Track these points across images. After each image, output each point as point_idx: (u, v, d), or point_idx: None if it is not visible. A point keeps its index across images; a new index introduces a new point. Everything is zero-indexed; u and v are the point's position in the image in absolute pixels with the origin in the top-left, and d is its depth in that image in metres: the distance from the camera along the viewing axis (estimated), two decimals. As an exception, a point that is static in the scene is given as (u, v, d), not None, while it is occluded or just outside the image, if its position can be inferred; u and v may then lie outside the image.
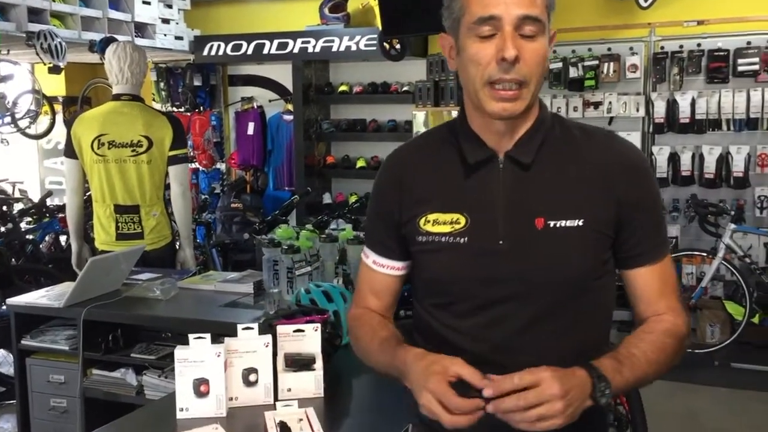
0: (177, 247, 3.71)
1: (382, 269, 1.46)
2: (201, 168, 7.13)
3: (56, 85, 7.01)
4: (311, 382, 1.76)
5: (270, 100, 6.86)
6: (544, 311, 1.32)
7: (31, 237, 5.32)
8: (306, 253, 2.76)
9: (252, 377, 1.71)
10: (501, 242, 1.32)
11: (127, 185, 3.46)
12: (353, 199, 6.12)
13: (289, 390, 1.76)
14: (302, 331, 1.78)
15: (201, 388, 1.64)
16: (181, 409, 1.65)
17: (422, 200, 1.38)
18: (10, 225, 5.10)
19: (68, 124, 3.58)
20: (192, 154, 7.00)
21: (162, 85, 7.11)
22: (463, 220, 1.34)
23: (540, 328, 1.33)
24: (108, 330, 2.75)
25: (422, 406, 1.19)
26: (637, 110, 5.42)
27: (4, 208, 5.20)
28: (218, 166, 7.15)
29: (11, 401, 3.54)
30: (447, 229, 1.34)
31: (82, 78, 7.12)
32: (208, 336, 1.66)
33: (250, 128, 6.85)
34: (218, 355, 1.65)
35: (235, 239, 4.72)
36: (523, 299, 1.32)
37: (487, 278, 1.32)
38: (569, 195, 1.33)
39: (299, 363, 1.76)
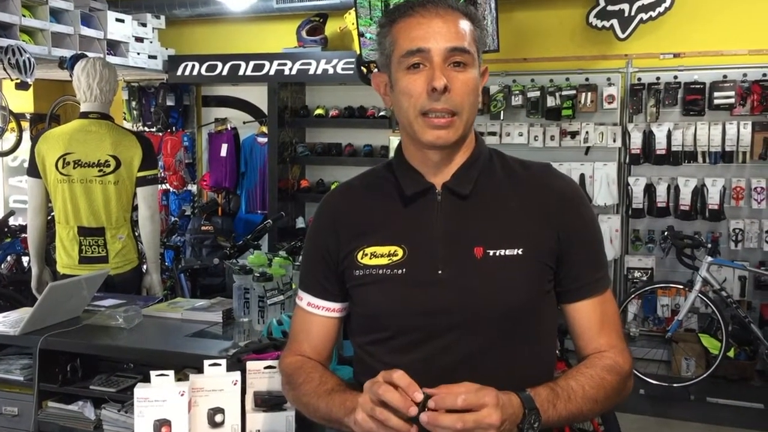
0: (143, 271, 3.57)
1: (318, 311, 1.44)
2: (172, 189, 6.98)
3: (24, 102, 6.84)
4: (282, 424, 1.65)
5: (244, 122, 6.76)
6: (486, 342, 1.30)
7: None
8: (279, 281, 2.65)
9: (218, 418, 1.60)
10: (440, 272, 1.30)
11: (93, 206, 3.32)
12: (327, 224, 6.03)
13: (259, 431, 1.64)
14: (273, 367, 1.66)
15: (162, 430, 1.52)
16: (140, 453, 1.53)
17: (359, 235, 1.37)
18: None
19: (33, 141, 3.44)
20: (163, 174, 6.86)
21: (134, 104, 6.98)
22: (400, 252, 1.33)
23: (481, 360, 1.30)
24: (66, 360, 2.59)
25: (356, 422, 1.16)
26: (614, 140, 5.41)
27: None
28: (189, 187, 7.01)
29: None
30: (384, 261, 1.33)
31: (51, 95, 6.96)
32: (171, 373, 1.54)
33: (223, 150, 6.73)
34: (182, 395, 1.53)
35: (205, 264, 4.58)
36: (464, 330, 1.30)
37: (427, 309, 1.30)
38: (508, 224, 1.33)
39: (270, 402, 1.65)
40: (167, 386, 1.53)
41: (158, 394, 1.53)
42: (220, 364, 1.61)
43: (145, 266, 3.58)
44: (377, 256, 1.34)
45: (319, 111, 6.31)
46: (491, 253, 1.30)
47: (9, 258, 5.35)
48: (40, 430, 2.58)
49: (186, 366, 2.56)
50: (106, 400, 2.53)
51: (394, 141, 5.75)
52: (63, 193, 3.31)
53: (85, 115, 3.39)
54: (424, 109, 1.28)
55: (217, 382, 1.60)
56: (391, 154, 5.44)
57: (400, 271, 1.32)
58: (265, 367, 1.66)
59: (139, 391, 1.53)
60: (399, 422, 1.12)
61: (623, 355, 1.35)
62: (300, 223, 6.35)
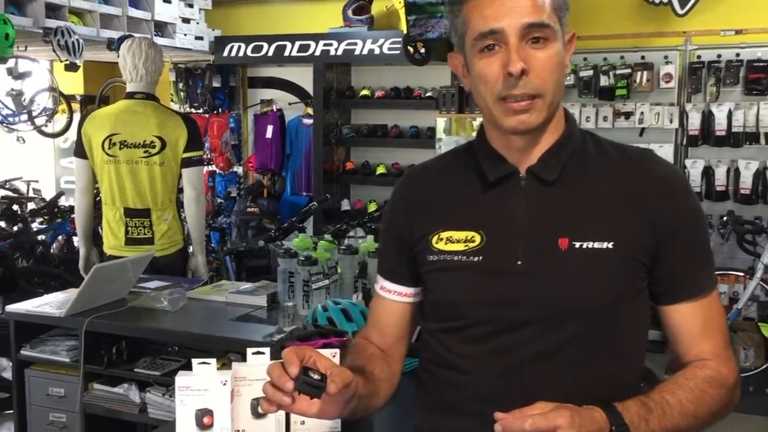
0: (189, 253, 3.55)
1: (389, 295, 1.36)
2: (218, 171, 6.99)
3: (74, 84, 6.90)
4: (328, 415, 1.58)
5: (290, 103, 6.71)
6: (563, 341, 1.18)
7: (42, 238, 5.19)
8: (324, 265, 2.59)
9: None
10: (519, 262, 1.20)
11: (138, 188, 3.30)
12: (372, 207, 5.96)
13: (303, 423, 1.58)
14: (319, 356, 1.59)
15: (204, 419, 1.47)
16: (182, 443, 1.48)
17: (435, 218, 1.28)
18: (20, 225, 4.96)
19: (79, 122, 3.43)
20: (209, 156, 6.87)
21: (181, 85, 6.98)
22: (478, 238, 1.23)
23: (556, 360, 1.18)
24: (112, 342, 2.58)
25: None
26: (671, 121, 5.20)
27: (15, 207, 5.06)
28: (235, 169, 7.00)
29: (11, 410, 3.38)
30: (460, 247, 1.24)
31: (100, 77, 7.00)
32: (213, 362, 1.49)
33: (269, 131, 6.70)
34: (224, 384, 1.47)
35: (249, 246, 4.56)
36: (540, 326, 1.19)
37: (502, 301, 1.20)
38: (599, 214, 1.21)
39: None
40: (209, 375, 1.48)
41: (200, 383, 1.47)
42: (263, 353, 1.54)
43: (191, 248, 3.56)
44: (453, 241, 1.25)
45: (364, 92, 6.22)
46: (577, 245, 1.18)
47: (59, 238, 5.41)
48: (86, 412, 2.58)
49: (230, 351, 2.53)
50: (150, 384, 2.52)
51: (440, 122, 5.63)
52: (109, 174, 3.30)
53: (130, 96, 3.37)
54: (502, 94, 1.17)
55: (261, 372, 1.52)
56: (438, 135, 5.31)
57: (476, 259, 1.22)
58: (310, 356, 1.58)
59: (181, 379, 1.48)
60: (272, 390, 1.08)
61: (728, 365, 1.22)
62: (345, 205, 6.30)
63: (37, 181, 6.83)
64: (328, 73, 6.21)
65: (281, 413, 1.55)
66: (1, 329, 2.81)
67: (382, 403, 1.31)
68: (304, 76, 6.48)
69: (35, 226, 5.58)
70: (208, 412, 1.47)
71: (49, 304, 2.69)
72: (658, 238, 1.19)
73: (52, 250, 5.23)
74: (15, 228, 5.00)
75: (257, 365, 1.54)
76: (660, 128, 5.24)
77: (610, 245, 1.18)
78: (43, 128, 6.42)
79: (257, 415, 1.54)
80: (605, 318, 1.19)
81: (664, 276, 1.22)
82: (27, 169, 7.02)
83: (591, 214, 1.20)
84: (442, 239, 1.26)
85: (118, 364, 2.58)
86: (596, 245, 1.18)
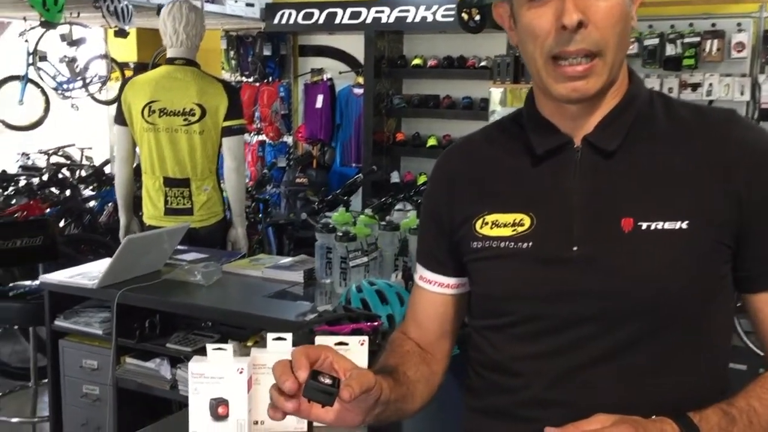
0: (229, 224, 3.46)
1: (429, 286, 1.20)
2: (268, 140, 6.93)
3: (127, 51, 6.91)
4: (354, 407, 1.46)
5: (340, 72, 6.57)
6: (627, 341, 1.01)
7: (92, 205, 5.20)
8: (363, 241, 2.46)
9: (282, 398, 1.42)
10: (575, 248, 1.03)
11: (178, 156, 3.22)
12: (422, 179, 5.81)
13: (327, 415, 1.46)
14: (346, 344, 1.46)
15: (219, 409, 1.35)
16: (194, 433, 1.37)
17: (479, 199, 1.12)
18: (69, 192, 4.97)
19: (120, 88, 3.36)
20: (259, 126, 6.81)
21: (232, 53, 6.91)
22: (527, 222, 1.06)
23: (619, 363, 1.01)
24: (145, 315, 2.51)
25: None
26: (741, 94, 4.87)
27: (63, 174, 5.06)
28: (285, 139, 6.93)
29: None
30: (508, 232, 1.07)
31: (152, 44, 6.97)
32: (230, 347, 1.37)
33: (319, 101, 6.59)
34: (240, 372, 1.35)
35: (290, 219, 4.46)
36: (600, 324, 1.01)
37: (555, 294, 1.04)
38: (670, 189, 1.02)
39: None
40: (225, 362, 1.36)
41: (215, 371, 1.35)
42: (284, 338, 1.42)
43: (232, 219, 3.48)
44: (499, 225, 1.08)
45: (416, 61, 6.03)
46: (644, 225, 1.00)
47: (108, 206, 5.41)
48: (119, 386, 2.52)
49: (263, 328, 2.43)
50: (182, 360, 2.44)
51: (495, 93, 5.42)
52: (149, 143, 3.23)
53: (170, 62, 3.28)
54: (553, 52, 0.99)
55: (282, 359, 1.41)
56: (492, 107, 5.10)
57: (525, 245, 1.05)
58: (337, 344, 1.46)
59: (195, 366, 1.36)
60: (276, 394, 0.98)
61: None
62: (394, 177, 6.16)
63: (90, 149, 6.89)
64: (380, 42, 6.04)
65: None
66: (38, 298, 2.76)
67: (418, 407, 1.16)
68: (355, 45, 6.34)
69: (88, 192, 5.61)
70: (223, 402, 1.36)
71: (83, 274, 2.64)
72: (744, 215, 1.00)
73: (100, 218, 5.24)
74: (65, 194, 5.01)
75: (278, 352, 1.42)
76: (730, 101, 4.91)
77: (684, 225, 0.99)
78: (97, 95, 6.44)
79: (277, 405, 1.42)
80: (678, 312, 1.00)
81: (753, 259, 1.02)
82: (81, 136, 7.09)
83: (660, 188, 1.02)
84: (487, 223, 1.09)
85: (151, 338, 2.52)
86: (667, 226, 0.99)
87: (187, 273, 2.58)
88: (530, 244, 1.05)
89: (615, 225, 1.01)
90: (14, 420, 3.26)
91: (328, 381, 0.93)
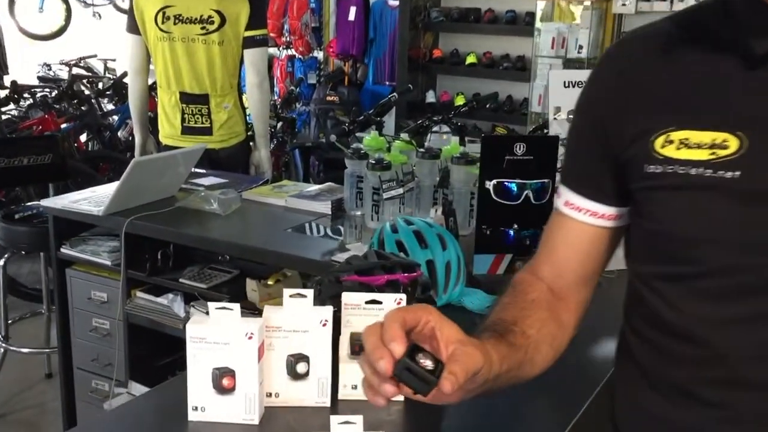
0: (252, 146, 3.19)
1: (577, 214, 0.95)
2: (297, 55, 6.57)
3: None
4: (387, 379, 1.21)
5: (375, -18, 6.15)
6: None
7: (111, 121, 4.95)
8: (398, 170, 2.17)
9: (301, 367, 1.17)
10: None
11: (195, 69, 2.93)
12: (460, 100, 5.47)
13: (355, 388, 1.21)
14: (379, 302, 1.20)
15: (223, 381, 1.11)
16: (195, 408, 1.14)
17: (662, 109, 0.84)
18: (86, 106, 4.71)
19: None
20: (288, 39, 6.45)
21: (258, -42, 6.49)
22: (734, 144, 0.79)
23: None
24: (157, 246, 2.28)
25: None
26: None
27: (76, 87, 4.77)
28: (315, 54, 6.57)
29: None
30: (704, 155, 0.80)
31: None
32: (236, 307, 1.12)
33: (352, 13, 6.20)
34: (249, 337, 1.10)
35: (319, 141, 4.18)
36: None
37: (766, 242, 0.79)
38: None
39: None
40: (231, 324, 1.11)
41: (218, 335, 1.11)
42: (305, 296, 1.16)
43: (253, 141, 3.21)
44: (691, 146, 0.81)
45: (457, -30, 5.59)
46: None
47: (128, 122, 5.16)
48: (129, 321, 2.32)
49: (283, 267, 2.19)
50: (196, 297, 2.22)
51: (542, 6, 4.99)
52: (164, 53, 2.93)
53: (186, -38, 2.93)
54: None
55: (301, 320, 1.16)
56: (537, 24, 4.67)
57: (729, 175, 0.78)
58: (368, 302, 1.20)
59: (193, 328, 1.12)
60: (369, 370, 0.75)
61: None
62: (430, 97, 5.81)
63: (113, 60, 6.60)
64: (418, -52, 5.60)
65: (326, 372, 1.19)
66: (45, 222, 2.54)
67: (537, 373, 0.94)
68: (391, -49, 5.89)
69: (111, 106, 5.37)
70: (228, 372, 1.11)
71: (90, 199, 2.40)
72: None
73: (120, 134, 5.00)
74: (82, 109, 4.75)
75: (296, 313, 1.17)
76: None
77: None
78: (119, 3, 6.12)
79: (295, 375, 1.17)
80: None
81: None
82: (103, 46, 6.78)
83: None
84: (672, 142, 0.82)
85: (163, 271, 2.29)
86: None
87: (203, 201, 2.33)
88: (737, 173, 0.78)
89: None
90: (25, 350, 3.10)
91: (428, 364, 0.74)
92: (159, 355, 2.38)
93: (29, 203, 3.04)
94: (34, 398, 3.09)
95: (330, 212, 2.33)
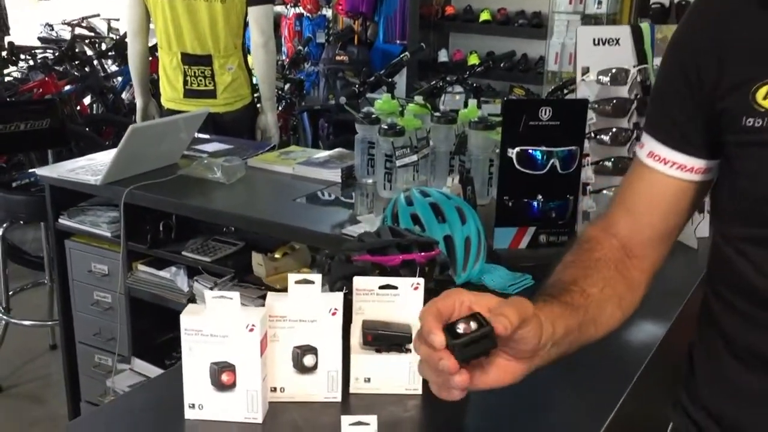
0: (258, 110, 3.06)
1: (662, 167, 0.89)
2: (305, 14, 6.38)
3: None
4: (404, 371, 1.09)
5: (385, -64, 5.92)
6: None
7: (114, 83, 4.81)
8: (412, 135, 2.04)
9: (308, 360, 1.06)
10: None
11: (197, 29, 2.79)
12: (473, 59, 5.29)
13: (368, 380, 1.10)
14: (394, 287, 1.09)
15: (222, 377, 1.01)
16: (192, 406, 1.03)
17: (765, 60, 0.78)
18: (88, 68, 4.57)
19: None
20: (295, -4, 6.27)
21: None
22: None
23: None
24: (158, 216, 2.17)
25: None
26: None
27: (78, 47, 4.62)
28: (324, 12, 6.38)
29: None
30: None
31: None
32: (236, 296, 1.00)
33: (361, -32, 5.99)
34: (251, 330, 0.99)
35: (328, 106, 4.03)
36: None
37: None
38: None
39: (386, 340, 1.09)
40: (230, 315, 1.00)
41: (216, 327, 1.00)
42: (312, 282, 1.05)
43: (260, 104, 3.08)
44: None
45: None
46: None
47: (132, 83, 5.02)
48: (131, 295, 2.22)
49: (291, 240, 2.08)
50: (200, 271, 2.12)
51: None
52: (163, 12, 2.79)
53: None
54: None
55: (308, 310, 1.05)
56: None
57: None
58: (382, 287, 1.08)
59: (188, 319, 1.01)
60: (430, 358, 0.72)
61: None
62: (443, 56, 5.64)
63: (117, 20, 6.42)
64: None
65: (335, 364, 1.08)
66: (40, 191, 2.44)
67: (603, 335, 0.88)
68: None
69: (115, 68, 5.22)
70: (228, 367, 1.00)
71: (87, 167, 2.28)
72: None
73: (124, 96, 4.86)
74: (85, 71, 4.61)
75: (303, 301, 1.05)
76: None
77: None
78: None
79: (302, 368, 1.06)
80: None
81: None
82: (107, 5, 6.60)
83: None
84: None
85: (165, 243, 2.19)
86: None
87: (206, 169, 2.21)
88: None
89: None
90: (27, 323, 3.02)
91: (472, 326, 0.71)
92: (162, 330, 2.30)
93: (29, 170, 2.93)
94: (38, 370, 3.02)
95: (340, 180, 2.21)
